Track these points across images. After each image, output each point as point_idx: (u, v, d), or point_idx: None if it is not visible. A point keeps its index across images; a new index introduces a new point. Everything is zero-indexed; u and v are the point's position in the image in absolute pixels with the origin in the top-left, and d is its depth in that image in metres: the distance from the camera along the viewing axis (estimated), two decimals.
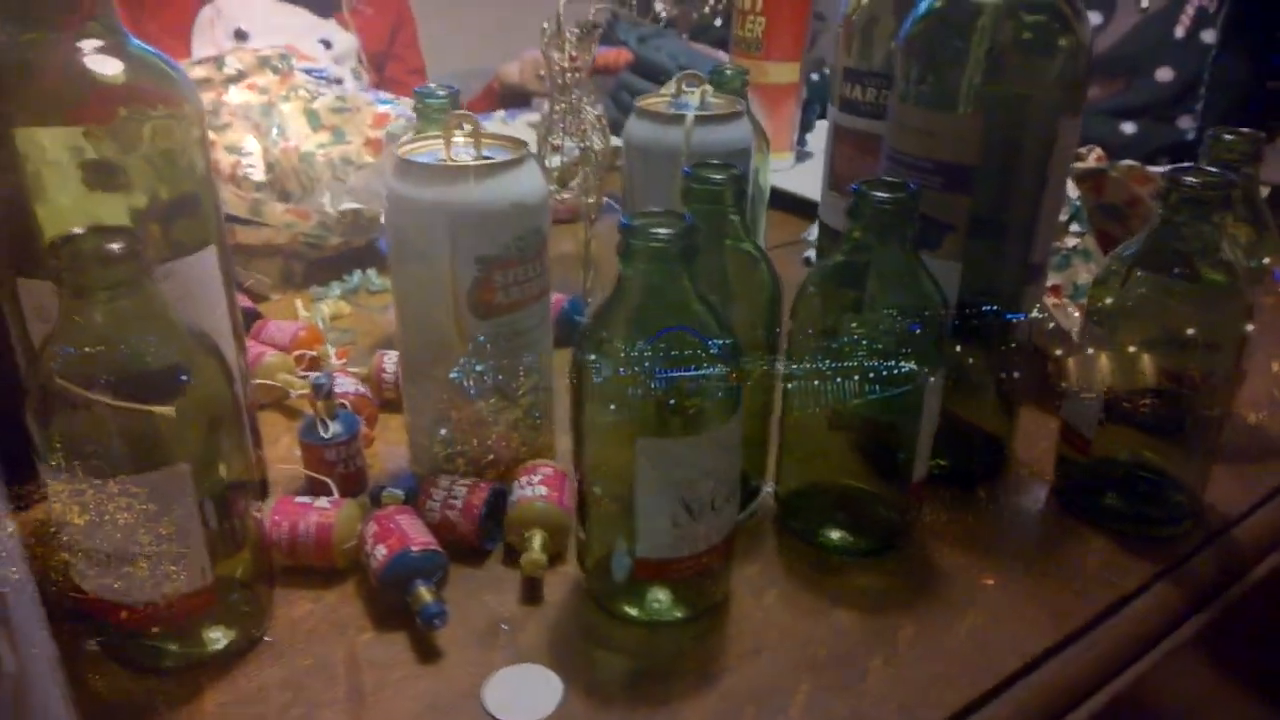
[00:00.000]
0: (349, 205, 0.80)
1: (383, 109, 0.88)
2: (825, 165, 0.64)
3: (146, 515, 0.37)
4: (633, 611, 0.44)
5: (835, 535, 0.50)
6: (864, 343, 0.44)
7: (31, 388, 0.36)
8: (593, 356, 0.40)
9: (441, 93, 0.64)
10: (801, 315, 0.46)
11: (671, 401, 0.39)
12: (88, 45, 0.39)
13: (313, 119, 0.88)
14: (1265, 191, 1.59)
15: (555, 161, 0.77)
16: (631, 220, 0.39)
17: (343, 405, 0.53)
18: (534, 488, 0.48)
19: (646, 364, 0.40)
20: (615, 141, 0.80)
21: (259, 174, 0.90)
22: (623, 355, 0.40)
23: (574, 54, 0.69)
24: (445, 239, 0.45)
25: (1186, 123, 1.34)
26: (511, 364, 0.49)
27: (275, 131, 0.88)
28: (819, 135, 1.17)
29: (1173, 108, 1.32)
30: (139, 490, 0.36)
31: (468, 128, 0.48)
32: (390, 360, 0.61)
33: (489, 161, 0.45)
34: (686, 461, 0.39)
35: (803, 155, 1.14)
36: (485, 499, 0.47)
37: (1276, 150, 1.51)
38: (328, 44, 1.60)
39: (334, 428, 0.51)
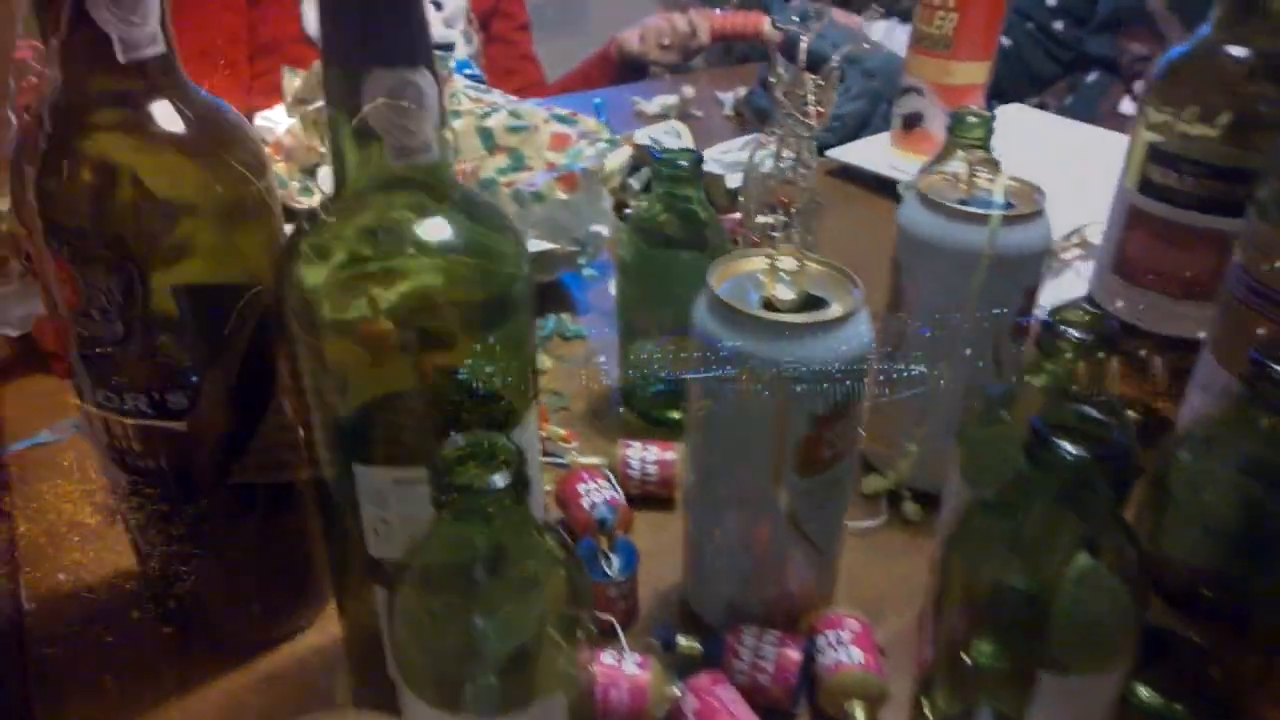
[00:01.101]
0: (542, 246, 0.75)
1: (560, 130, 0.82)
2: (1112, 248, 0.58)
3: None
4: None
5: (1145, 694, 0.46)
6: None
7: (399, 602, 0.33)
8: (974, 562, 0.36)
9: (683, 162, 0.58)
10: (1179, 487, 0.41)
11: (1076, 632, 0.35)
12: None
13: (486, 139, 0.82)
14: None
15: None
16: (1044, 422, 0.34)
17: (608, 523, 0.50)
18: (847, 650, 0.44)
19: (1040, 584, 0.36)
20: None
21: None
22: (1020, 574, 0.36)
23: (819, 108, 0.63)
24: (777, 397, 0.40)
25: None
26: (824, 514, 0.45)
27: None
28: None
29: None
30: None
31: (792, 262, 0.42)
32: (635, 454, 0.57)
33: (827, 317, 0.40)
34: (1094, 698, 0.35)
35: None
36: (799, 664, 0.44)
37: None
38: (437, 5, 1.53)
39: (616, 562, 0.48)
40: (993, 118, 0.66)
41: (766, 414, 0.41)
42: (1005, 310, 0.52)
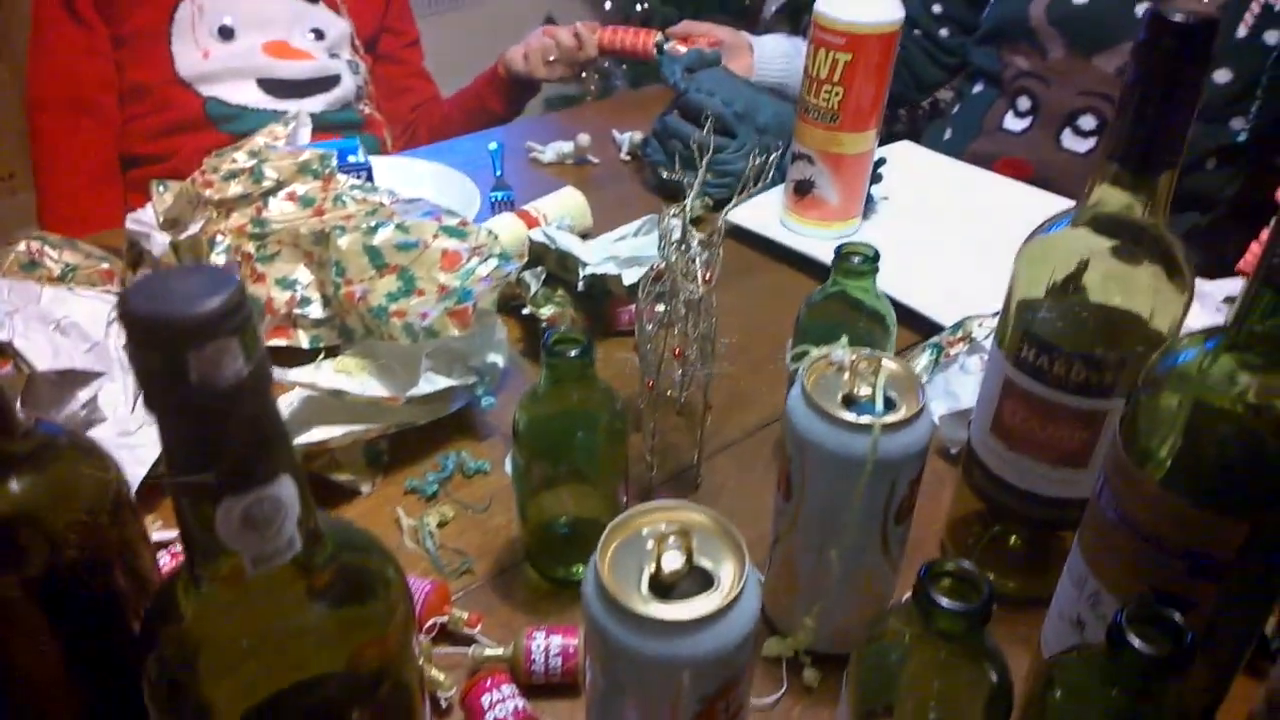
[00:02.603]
0: (442, 384, 0.74)
1: (451, 246, 0.80)
2: (989, 408, 0.59)
3: None
4: None
5: None
6: None
7: None
8: None
9: (574, 352, 0.57)
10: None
11: None
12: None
13: (374, 257, 0.80)
14: None
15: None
16: None
17: None
18: None
19: None
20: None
21: (317, 309, 0.84)
22: None
23: (706, 276, 0.63)
24: (671, 689, 0.41)
25: (1239, 124, 1.29)
26: None
27: (334, 270, 0.80)
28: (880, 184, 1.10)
29: (1226, 109, 1.27)
30: None
31: (681, 543, 0.43)
32: (538, 645, 0.57)
33: (717, 606, 0.40)
34: None
35: (866, 212, 1.08)
36: None
37: None
38: (319, 33, 1.47)
39: None
40: (877, 256, 0.67)
41: (658, 695, 0.42)
42: (890, 500, 0.54)
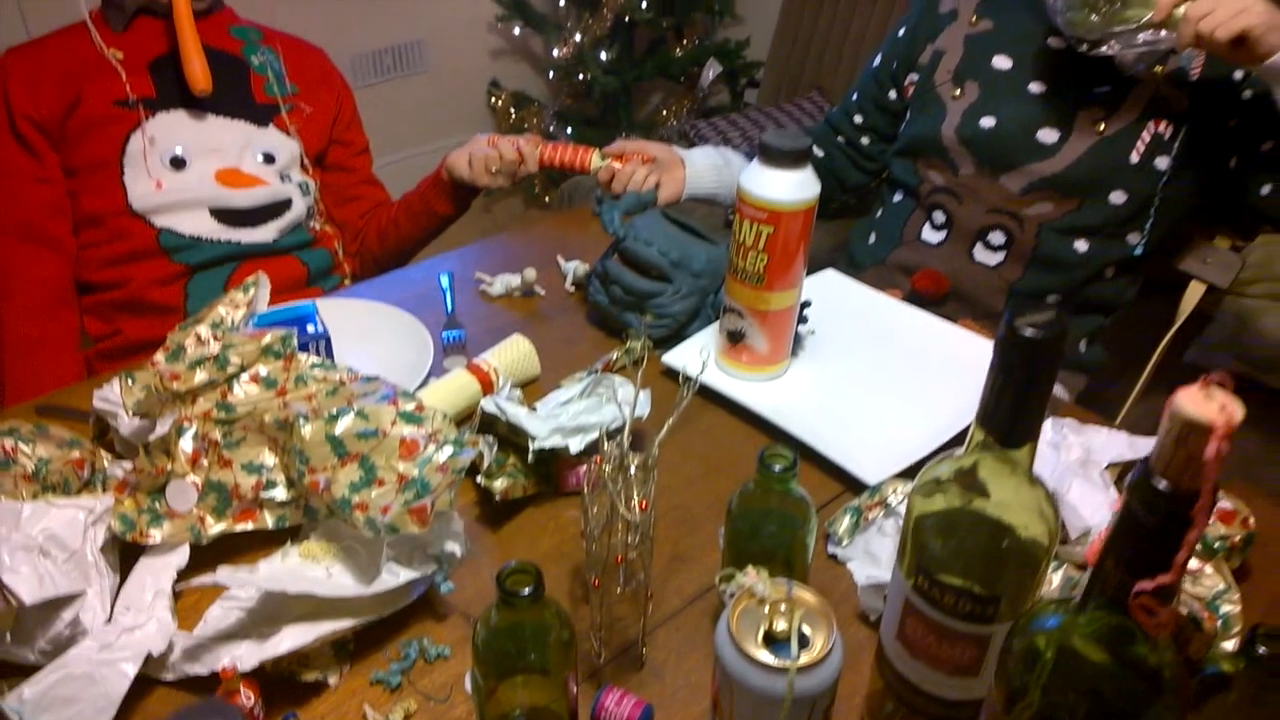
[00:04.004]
0: (404, 576, 0.80)
1: (408, 434, 0.87)
2: (894, 617, 0.67)
3: None
4: None
5: None
6: None
7: None
8: None
9: (525, 591, 0.64)
10: None
11: None
12: None
13: (336, 446, 0.86)
14: (1200, 290, 1.66)
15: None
16: None
17: None
18: None
19: None
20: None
21: (282, 492, 0.89)
22: None
23: (643, 504, 0.70)
24: None
25: (1135, 238, 1.40)
26: None
27: (299, 458, 0.86)
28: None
29: (1122, 227, 1.38)
30: None
31: None
32: None
33: None
34: None
35: (794, 349, 1.17)
36: None
37: (1216, 250, 1.58)
38: (270, 158, 1.52)
39: None
40: (795, 461, 0.75)
41: None
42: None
